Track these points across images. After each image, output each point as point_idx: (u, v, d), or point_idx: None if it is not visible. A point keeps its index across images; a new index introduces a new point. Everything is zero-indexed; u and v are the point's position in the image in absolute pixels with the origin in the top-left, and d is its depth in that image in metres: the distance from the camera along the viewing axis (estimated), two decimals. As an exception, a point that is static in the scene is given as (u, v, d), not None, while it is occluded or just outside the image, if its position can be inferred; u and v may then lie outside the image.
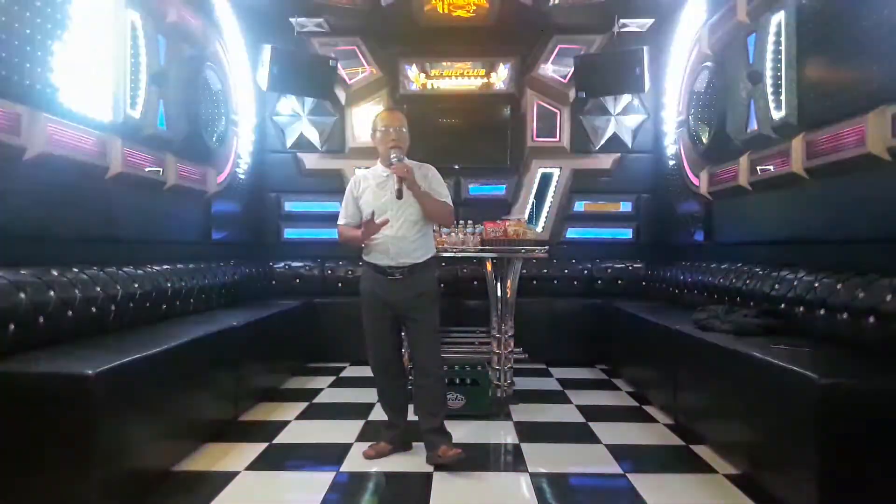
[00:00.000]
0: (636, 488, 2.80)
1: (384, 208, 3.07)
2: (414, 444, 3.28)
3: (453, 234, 4.21)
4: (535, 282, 5.82)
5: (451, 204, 3.20)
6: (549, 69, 6.37)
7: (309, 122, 6.34)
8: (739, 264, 4.20)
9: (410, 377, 3.46)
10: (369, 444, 3.27)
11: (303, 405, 4.23)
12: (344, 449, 3.30)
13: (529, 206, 6.25)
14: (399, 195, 2.98)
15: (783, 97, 3.78)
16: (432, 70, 6.36)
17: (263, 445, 3.37)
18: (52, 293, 2.81)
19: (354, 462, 3.14)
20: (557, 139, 6.38)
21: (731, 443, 3.10)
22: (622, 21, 6.00)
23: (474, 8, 6.07)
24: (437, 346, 3.22)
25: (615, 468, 3.08)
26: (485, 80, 6.37)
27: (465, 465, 3.02)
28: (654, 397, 4.27)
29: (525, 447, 3.38)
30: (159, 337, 3.16)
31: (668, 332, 3.87)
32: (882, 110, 2.86)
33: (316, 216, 6.37)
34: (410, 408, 3.34)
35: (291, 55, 6.14)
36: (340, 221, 3.28)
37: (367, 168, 3.32)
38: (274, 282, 6.00)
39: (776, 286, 3.55)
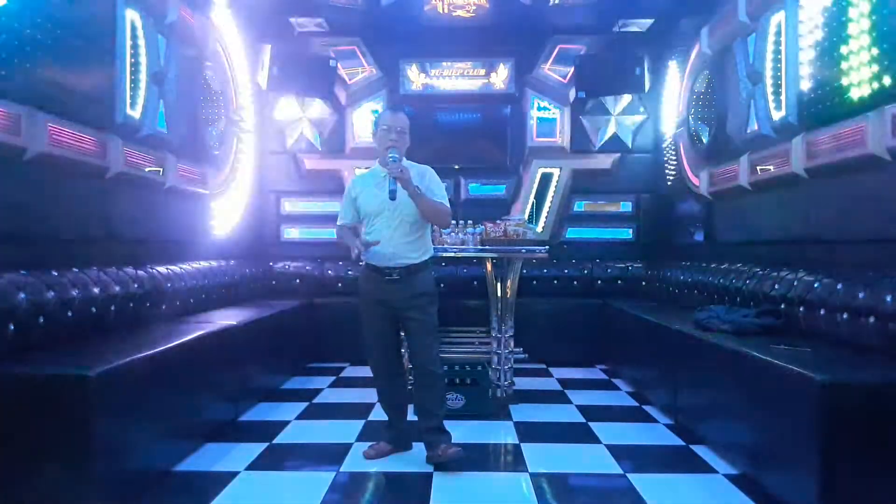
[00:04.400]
0: (636, 488, 2.81)
1: (380, 208, 3.06)
2: (414, 444, 3.28)
3: (453, 234, 4.21)
4: (535, 282, 5.82)
5: (448, 206, 3.18)
6: (549, 69, 6.37)
7: (309, 123, 6.33)
8: (739, 264, 4.20)
9: (410, 377, 3.45)
10: (369, 444, 3.27)
11: (303, 405, 4.23)
12: (344, 449, 3.30)
13: (529, 206, 6.25)
14: (392, 196, 2.95)
15: (783, 97, 3.78)
16: (432, 70, 6.36)
17: (263, 445, 3.37)
18: (51, 293, 2.80)
19: (354, 462, 3.14)
20: (557, 139, 6.38)
21: (731, 443, 3.10)
22: (622, 21, 6.00)
23: (474, 8, 6.07)
24: (435, 346, 3.21)
25: (615, 468, 3.08)
26: (485, 80, 6.36)
27: (465, 465, 3.02)
28: (654, 397, 4.28)
29: (525, 447, 3.38)
30: (159, 337, 3.17)
31: (668, 332, 3.87)
32: (882, 110, 2.86)
33: (315, 216, 6.37)
34: (410, 408, 3.34)
35: (291, 55, 6.14)
36: (339, 222, 3.27)
37: (366, 169, 3.32)
38: (274, 282, 5.99)
39: (776, 286, 3.55)
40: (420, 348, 3.14)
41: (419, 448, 3.20)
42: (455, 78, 6.37)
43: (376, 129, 3.16)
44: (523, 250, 4.15)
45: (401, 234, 3.08)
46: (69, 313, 2.91)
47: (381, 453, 3.20)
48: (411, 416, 3.31)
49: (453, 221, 3.82)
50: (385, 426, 3.33)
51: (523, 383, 4.70)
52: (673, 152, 5.79)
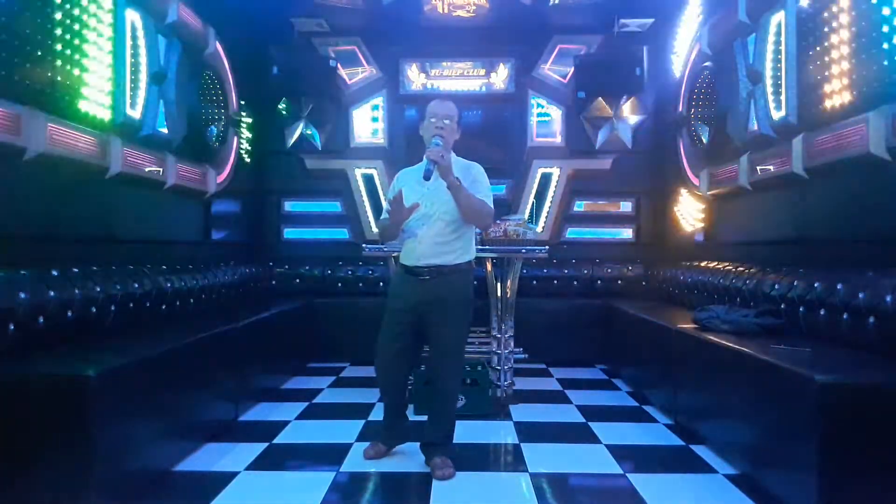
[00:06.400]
0: (636, 488, 2.80)
1: (420, 202, 2.93)
2: (411, 443, 3.25)
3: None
4: (535, 282, 5.82)
5: (491, 206, 2.99)
6: (549, 69, 6.37)
7: (309, 122, 6.33)
8: (739, 264, 4.20)
9: (410, 378, 3.43)
10: (369, 443, 3.25)
11: (303, 405, 4.23)
12: (344, 449, 3.30)
13: (529, 206, 6.25)
14: (427, 176, 2.77)
15: (783, 97, 3.78)
16: (432, 70, 6.37)
17: (263, 445, 3.37)
18: (52, 293, 2.80)
19: (354, 462, 3.14)
20: (557, 139, 6.38)
21: (731, 443, 3.10)
22: (622, 21, 6.00)
23: (474, 8, 6.08)
24: (456, 363, 3.05)
25: (615, 468, 3.08)
26: (485, 80, 6.37)
27: (465, 465, 3.02)
28: (654, 397, 4.27)
29: (525, 447, 3.38)
30: (159, 337, 3.17)
31: (668, 332, 3.87)
32: (882, 110, 2.86)
33: (316, 216, 6.38)
34: (410, 408, 3.34)
35: (291, 55, 6.15)
36: (383, 216, 3.11)
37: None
38: (274, 282, 5.99)
39: (776, 286, 3.55)
40: (437, 361, 3.01)
41: (419, 448, 3.19)
42: (455, 78, 6.37)
43: (423, 121, 3.02)
44: (523, 250, 4.15)
45: (435, 233, 2.93)
46: (69, 313, 2.91)
47: (380, 454, 3.17)
48: (415, 417, 3.30)
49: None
50: (382, 427, 3.27)
51: (523, 383, 4.70)
52: (673, 152, 5.79)
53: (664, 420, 3.89)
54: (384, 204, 3.12)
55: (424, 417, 3.21)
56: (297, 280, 6.05)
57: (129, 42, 3.70)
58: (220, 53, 5.15)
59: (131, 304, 3.43)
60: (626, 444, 3.45)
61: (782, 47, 3.78)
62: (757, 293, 3.74)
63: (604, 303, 5.64)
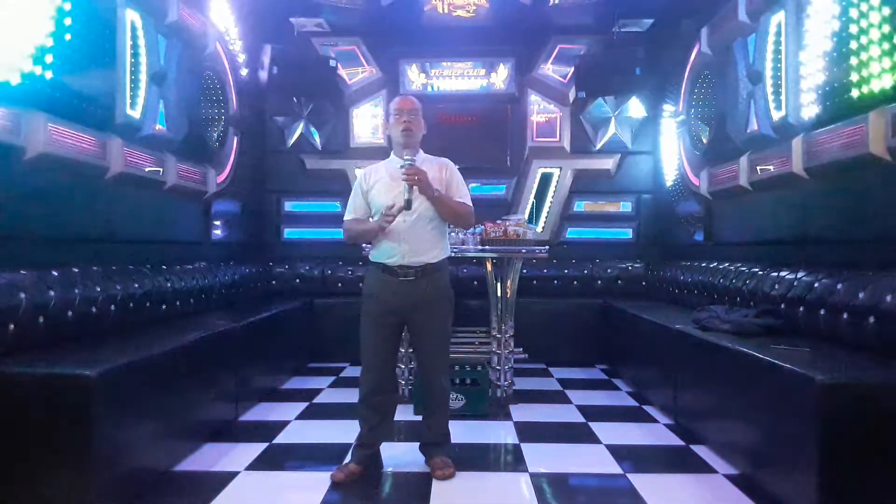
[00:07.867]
0: (636, 488, 2.80)
1: (396, 201, 2.81)
2: (411, 443, 3.25)
3: (453, 233, 4.21)
4: (535, 282, 5.82)
5: (471, 204, 2.99)
6: (549, 69, 6.37)
7: (309, 122, 6.33)
8: (739, 264, 4.20)
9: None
10: (336, 466, 2.99)
11: (303, 405, 4.23)
12: (344, 449, 3.29)
13: (529, 206, 6.26)
14: (408, 206, 2.74)
15: (783, 97, 3.78)
16: (432, 70, 6.37)
17: (263, 445, 3.37)
18: (52, 293, 2.80)
19: (354, 462, 3.13)
20: (557, 139, 6.39)
21: (731, 443, 3.10)
22: (622, 21, 6.01)
23: (474, 8, 6.08)
24: (446, 357, 3.07)
25: (615, 468, 3.08)
26: (485, 80, 6.37)
27: (465, 465, 3.02)
28: (654, 397, 4.28)
29: (525, 447, 3.38)
30: (159, 337, 3.17)
31: (668, 332, 3.87)
32: (882, 110, 2.86)
33: (316, 216, 6.38)
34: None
35: (291, 55, 6.15)
36: (347, 217, 3.01)
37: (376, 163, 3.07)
38: (274, 282, 5.99)
39: (776, 286, 3.55)
40: (430, 359, 2.99)
41: (419, 448, 3.19)
42: (455, 78, 6.38)
43: (387, 117, 3.00)
44: (523, 250, 4.15)
45: (418, 230, 2.85)
46: (69, 313, 2.91)
47: (352, 475, 2.87)
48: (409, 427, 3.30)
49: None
50: (357, 443, 3.02)
51: (523, 383, 4.70)
52: (673, 152, 5.79)
53: (664, 420, 3.89)
54: (351, 203, 3.03)
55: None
56: (297, 280, 6.05)
57: (128, 42, 3.70)
58: (220, 53, 5.14)
59: (131, 304, 3.43)
60: (626, 444, 3.45)
61: (782, 47, 3.78)
62: (757, 293, 3.74)
63: (604, 303, 5.64)
